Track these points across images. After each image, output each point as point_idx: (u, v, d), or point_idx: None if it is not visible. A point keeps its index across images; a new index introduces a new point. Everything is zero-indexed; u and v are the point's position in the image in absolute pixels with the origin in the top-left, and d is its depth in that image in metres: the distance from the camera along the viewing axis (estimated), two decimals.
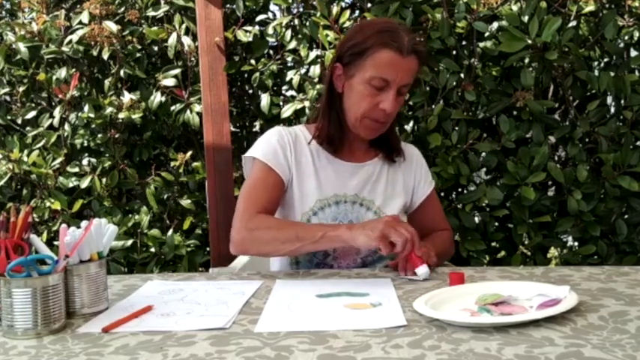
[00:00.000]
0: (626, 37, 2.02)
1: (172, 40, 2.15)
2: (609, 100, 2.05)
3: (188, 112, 2.17)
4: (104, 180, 2.24)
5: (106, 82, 2.24)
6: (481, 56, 2.04)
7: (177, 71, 2.18)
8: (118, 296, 1.16)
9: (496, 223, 2.12)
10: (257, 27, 2.21)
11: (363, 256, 1.45)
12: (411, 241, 1.20)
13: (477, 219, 2.08)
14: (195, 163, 2.25)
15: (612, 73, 1.96)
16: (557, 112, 2.18)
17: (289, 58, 2.16)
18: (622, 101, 1.98)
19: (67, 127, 2.27)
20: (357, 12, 2.20)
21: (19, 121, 2.37)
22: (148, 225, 2.22)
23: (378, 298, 1.08)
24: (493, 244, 2.16)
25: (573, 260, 2.01)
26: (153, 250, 2.21)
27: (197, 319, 0.99)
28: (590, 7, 1.94)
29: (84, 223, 1.07)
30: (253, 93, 2.35)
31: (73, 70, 2.25)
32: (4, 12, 2.50)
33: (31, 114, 2.31)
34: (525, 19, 1.89)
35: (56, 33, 2.23)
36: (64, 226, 1.06)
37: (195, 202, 2.27)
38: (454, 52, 2.08)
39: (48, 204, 2.22)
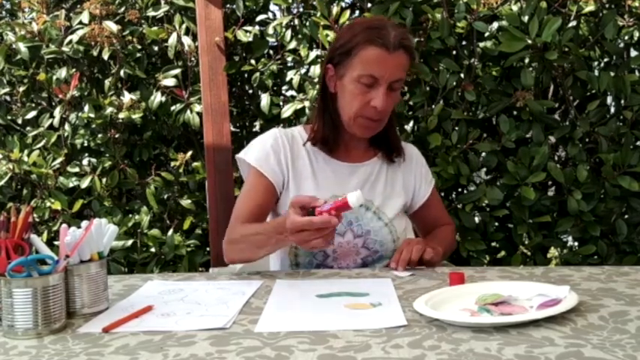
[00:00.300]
0: (626, 37, 2.02)
1: (172, 40, 2.15)
2: (609, 100, 2.05)
3: (188, 112, 2.17)
4: (104, 180, 2.24)
5: (106, 82, 2.23)
6: (481, 56, 2.04)
7: (177, 71, 2.18)
8: (118, 296, 1.16)
9: (496, 223, 2.12)
10: (257, 27, 2.21)
11: (363, 256, 1.46)
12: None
13: (476, 219, 2.08)
14: (195, 163, 2.24)
15: (612, 73, 1.96)
16: (557, 112, 2.18)
17: (289, 58, 2.16)
18: (622, 101, 1.98)
19: (67, 127, 2.27)
20: (357, 12, 2.20)
21: (19, 121, 2.36)
22: (148, 225, 2.22)
23: (378, 298, 1.08)
24: (493, 244, 2.16)
25: (573, 260, 2.01)
26: (153, 250, 2.21)
27: (197, 319, 0.99)
28: (590, 7, 1.94)
29: (84, 223, 1.07)
30: (253, 93, 2.34)
31: (73, 70, 2.25)
32: (4, 12, 2.50)
33: (31, 114, 2.31)
34: (525, 19, 1.89)
35: (56, 33, 2.22)
36: (64, 226, 1.06)
37: (195, 202, 2.27)
38: (454, 52, 2.08)
39: (48, 204, 2.22)
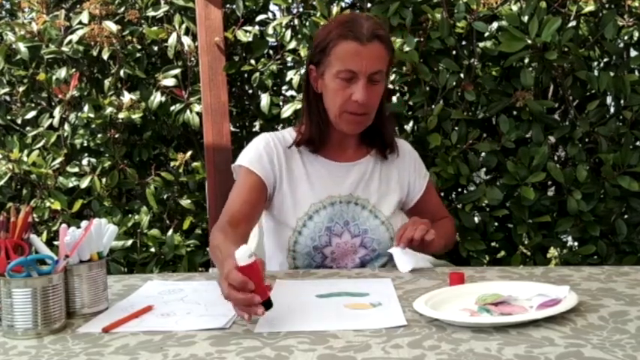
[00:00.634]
0: (626, 37, 2.02)
1: (172, 40, 2.15)
2: (609, 100, 2.05)
3: (188, 112, 2.17)
4: (104, 180, 2.24)
5: (106, 82, 2.23)
6: (481, 56, 2.04)
7: (177, 71, 2.18)
8: (118, 296, 1.16)
9: (496, 223, 2.12)
10: (257, 27, 2.21)
11: (361, 255, 1.46)
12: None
13: (476, 219, 2.08)
14: (195, 163, 2.24)
15: (612, 73, 1.96)
16: (557, 112, 2.18)
17: (289, 58, 2.16)
18: (622, 101, 1.98)
19: (67, 127, 2.27)
20: (357, 12, 2.20)
21: (19, 121, 2.36)
22: (148, 225, 2.22)
23: (378, 298, 1.08)
24: (493, 244, 2.16)
25: (573, 260, 2.01)
26: (153, 250, 2.21)
27: (197, 319, 0.99)
28: (590, 7, 1.94)
29: (84, 223, 1.07)
30: (253, 93, 2.34)
31: (73, 70, 2.24)
32: (4, 12, 2.50)
33: (31, 114, 2.31)
34: (525, 19, 1.89)
35: (56, 33, 2.22)
36: (64, 226, 1.06)
37: (195, 202, 2.27)
38: (454, 52, 2.08)
39: (48, 204, 2.22)
